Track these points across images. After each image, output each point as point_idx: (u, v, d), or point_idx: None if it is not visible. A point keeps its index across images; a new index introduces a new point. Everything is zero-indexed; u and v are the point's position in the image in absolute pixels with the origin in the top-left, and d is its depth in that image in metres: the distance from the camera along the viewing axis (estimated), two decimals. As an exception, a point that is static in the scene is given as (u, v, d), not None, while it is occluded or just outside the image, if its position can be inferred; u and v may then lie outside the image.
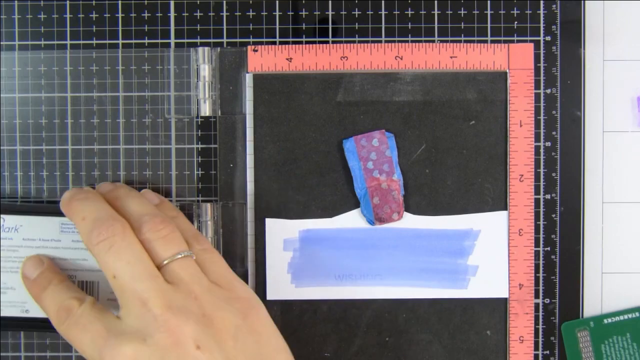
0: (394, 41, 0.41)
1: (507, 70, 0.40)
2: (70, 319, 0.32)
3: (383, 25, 0.41)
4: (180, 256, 0.32)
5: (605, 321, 0.41)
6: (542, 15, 0.41)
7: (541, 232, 0.41)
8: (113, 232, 0.32)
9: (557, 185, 0.41)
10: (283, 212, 0.41)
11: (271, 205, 0.41)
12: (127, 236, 0.32)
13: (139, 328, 0.30)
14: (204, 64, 0.41)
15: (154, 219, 0.33)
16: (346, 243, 0.41)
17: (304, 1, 0.41)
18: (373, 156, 0.40)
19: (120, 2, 0.41)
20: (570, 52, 0.41)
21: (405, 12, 0.41)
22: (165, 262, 0.32)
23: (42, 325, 0.37)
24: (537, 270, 0.41)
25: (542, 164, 0.41)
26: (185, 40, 0.41)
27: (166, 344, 0.29)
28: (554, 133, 0.41)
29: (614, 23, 0.42)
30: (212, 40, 0.41)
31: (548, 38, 0.41)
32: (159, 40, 0.41)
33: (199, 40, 0.41)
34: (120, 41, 0.41)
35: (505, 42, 0.41)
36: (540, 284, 0.41)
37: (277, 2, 0.41)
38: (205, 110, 0.41)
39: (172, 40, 0.41)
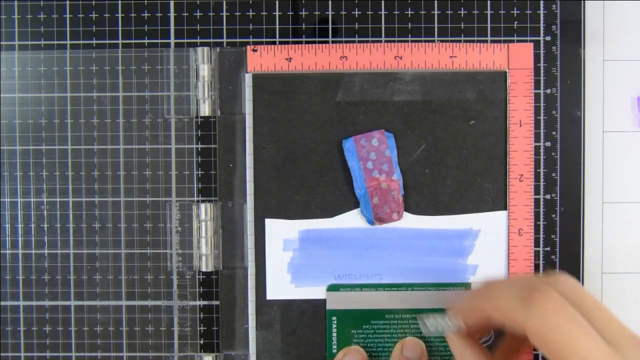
0: (394, 41, 0.41)
1: (507, 70, 0.40)
2: None
3: (383, 25, 0.41)
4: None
5: None
6: (542, 15, 0.41)
7: (541, 232, 0.41)
8: None
9: (557, 185, 0.41)
10: (283, 212, 0.41)
11: (271, 205, 0.41)
12: None
13: None
14: (203, 64, 0.41)
15: None
16: (346, 243, 0.41)
17: (304, 1, 0.41)
18: (373, 156, 0.40)
19: (120, 2, 0.41)
20: (570, 52, 0.41)
21: (405, 12, 0.41)
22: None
23: None
24: (537, 271, 0.41)
25: (542, 164, 0.41)
26: (185, 40, 0.41)
27: None
28: (554, 133, 0.41)
29: (614, 23, 0.42)
30: (211, 40, 0.41)
31: (548, 38, 0.41)
32: (159, 40, 0.41)
33: (198, 40, 0.41)
34: (120, 41, 0.41)
35: (505, 42, 0.41)
36: (540, 284, 0.41)
37: (277, 2, 0.41)
38: (205, 110, 0.41)
39: (172, 40, 0.41)
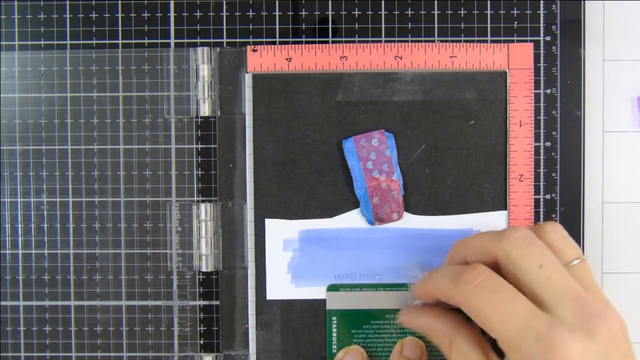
0: (394, 41, 0.41)
1: (507, 70, 0.40)
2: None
3: (383, 25, 0.41)
4: (576, 262, 0.33)
5: None
6: (542, 15, 0.41)
7: (541, 232, 0.41)
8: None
9: (557, 185, 0.41)
10: (283, 212, 0.41)
11: (271, 205, 0.41)
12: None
13: (579, 323, 0.30)
14: (203, 64, 0.41)
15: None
16: (346, 243, 0.41)
17: (304, 1, 0.41)
18: (372, 156, 0.40)
19: (120, 2, 0.41)
20: (570, 52, 0.41)
21: (405, 12, 0.41)
22: (574, 262, 0.33)
23: None
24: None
25: (542, 164, 0.41)
26: (185, 40, 0.41)
27: (607, 340, 0.29)
28: (554, 133, 0.41)
29: (614, 23, 0.42)
30: (211, 40, 0.41)
31: (548, 38, 0.41)
32: (159, 40, 0.41)
33: (198, 40, 0.41)
34: (120, 41, 0.41)
35: (505, 42, 0.41)
36: (540, 284, 0.41)
37: (277, 2, 0.41)
38: (205, 110, 0.41)
39: (172, 40, 0.41)
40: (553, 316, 0.30)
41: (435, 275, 0.34)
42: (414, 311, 0.37)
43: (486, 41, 0.41)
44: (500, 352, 0.32)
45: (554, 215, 0.41)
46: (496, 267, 0.33)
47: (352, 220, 0.41)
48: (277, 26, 0.42)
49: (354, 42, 0.41)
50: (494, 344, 0.33)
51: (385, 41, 0.41)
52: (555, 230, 0.34)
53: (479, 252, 0.34)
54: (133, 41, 0.41)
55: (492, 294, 0.31)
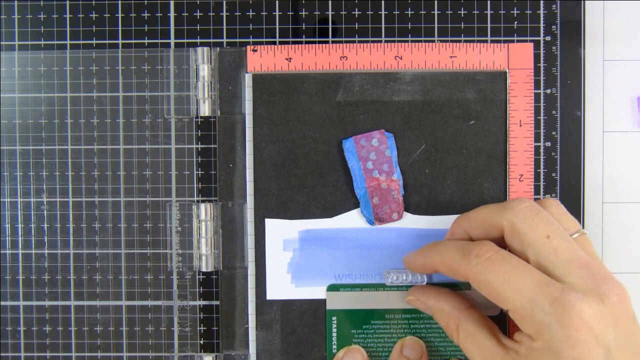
0: (394, 41, 0.41)
1: (507, 70, 0.40)
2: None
3: (383, 25, 0.41)
4: (577, 235, 0.34)
5: None
6: (542, 15, 0.41)
7: (541, 232, 0.41)
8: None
9: (557, 185, 0.41)
10: (283, 212, 0.41)
11: (271, 205, 0.41)
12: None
13: (590, 288, 0.30)
14: (203, 64, 0.41)
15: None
16: (346, 243, 0.41)
17: (304, 1, 0.41)
18: (373, 156, 0.40)
19: (120, 2, 0.42)
20: (570, 52, 0.41)
21: (405, 12, 0.41)
22: (575, 235, 0.34)
23: None
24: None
25: (542, 164, 0.41)
26: (185, 40, 0.41)
27: (618, 304, 0.30)
28: (554, 133, 0.41)
29: (614, 23, 0.42)
30: (211, 40, 0.41)
31: (548, 38, 0.41)
32: (159, 40, 0.41)
33: (198, 40, 0.41)
34: (120, 41, 0.41)
35: (505, 42, 0.41)
36: (540, 284, 0.41)
37: (277, 2, 0.41)
38: (205, 110, 0.41)
39: (172, 40, 0.41)
40: (563, 283, 0.30)
41: (441, 248, 0.35)
42: (422, 291, 0.38)
43: (486, 41, 0.41)
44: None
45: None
46: (500, 243, 0.33)
47: (352, 220, 0.41)
48: (277, 26, 0.42)
49: (354, 42, 0.41)
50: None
51: (385, 41, 0.41)
52: (556, 206, 0.35)
53: (483, 225, 0.35)
54: (133, 41, 0.41)
55: (502, 265, 0.32)
